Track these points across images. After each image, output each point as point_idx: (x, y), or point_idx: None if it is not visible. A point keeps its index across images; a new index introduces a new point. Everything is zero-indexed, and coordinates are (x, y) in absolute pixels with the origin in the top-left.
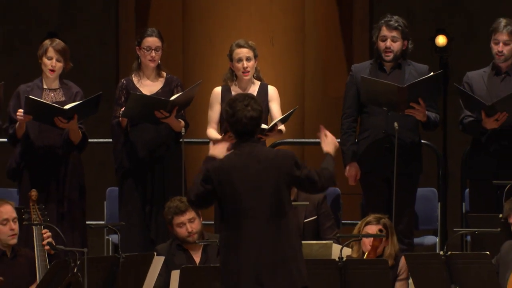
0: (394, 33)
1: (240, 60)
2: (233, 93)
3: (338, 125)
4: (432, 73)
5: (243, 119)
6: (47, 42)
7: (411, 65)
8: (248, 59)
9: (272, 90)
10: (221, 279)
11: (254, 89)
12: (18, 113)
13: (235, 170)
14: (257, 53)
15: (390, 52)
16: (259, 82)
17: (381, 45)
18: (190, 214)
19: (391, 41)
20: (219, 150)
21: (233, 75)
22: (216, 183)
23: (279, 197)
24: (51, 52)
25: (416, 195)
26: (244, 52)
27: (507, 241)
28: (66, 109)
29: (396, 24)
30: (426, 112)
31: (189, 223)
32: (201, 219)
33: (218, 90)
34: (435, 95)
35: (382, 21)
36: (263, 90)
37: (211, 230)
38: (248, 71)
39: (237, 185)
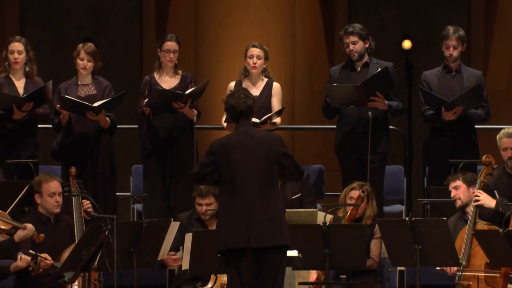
0: (352, 38)
1: (251, 56)
2: (244, 87)
3: (321, 113)
4: (379, 69)
5: (235, 105)
6: (80, 45)
7: (378, 63)
8: (258, 57)
9: (275, 87)
10: (218, 237)
11: (261, 85)
12: (57, 107)
13: (233, 146)
14: (268, 56)
15: (355, 52)
16: (266, 79)
17: (347, 50)
18: (210, 200)
19: (352, 44)
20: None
21: (246, 71)
22: (217, 156)
23: (268, 169)
24: (82, 54)
25: (386, 172)
26: (256, 51)
27: (450, 218)
28: (95, 106)
29: (351, 30)
30: (388, 101)
31: (205, 206)
32: None
33: (232, 84)
34: (391, 86)
35: (342, 32)
36: (268, 86)
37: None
38: (256, 67)
39: (233, 158)
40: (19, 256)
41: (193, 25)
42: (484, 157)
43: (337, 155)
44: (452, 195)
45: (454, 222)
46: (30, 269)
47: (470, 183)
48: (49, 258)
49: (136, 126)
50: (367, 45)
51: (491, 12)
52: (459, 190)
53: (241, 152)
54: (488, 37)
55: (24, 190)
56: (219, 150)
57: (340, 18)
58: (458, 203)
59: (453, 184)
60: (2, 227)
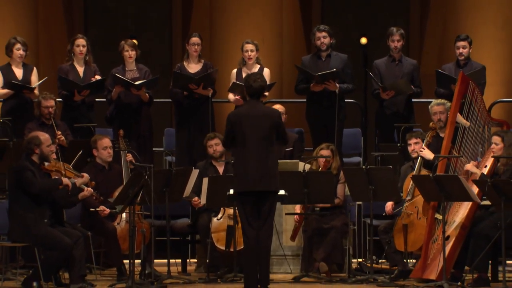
0: (323, 34)
1: (247, 51)
2: (243, 73)
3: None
4: (334, 69)
5: (253, 85)
6: (122, 42)
7: (337, 55)
8: (251, 50)
9: (265, 71)
10: (232, 182)
11: (255, 70)
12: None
13: (244, 114)
14: (258, 48)
15: (324, 45)
16: (258, 66)
17: (318, 43)
18: (217, 141)
19: (323, 38)
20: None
21: (243, 61)
22: (233, 123)
23: (269, 134)
24: (127, 47)
25: (349, 133)
26: (249, 47)
27: (404, 165)
28: (136, 84)
29: (323, 28)
30: (340, 84)
31: (215, 146)
32: None
33: (234, 71)
34: (340, 77)
35: (315, 29)
36: (260, 70)
37: (229, 154)
38: (251, 58)
39: (244, 124)
40: (85, 188)
41: (209, 28)
42: (430, 123)
43: (308, 121)
44: (411, 148)
45: (405, 169)
46: (94, 197)
47: (423, 140)
48: (107, 210)
49: (167, 100)
50: (331, 41)
51: (424, 17)
52: (417, 145)
53: (250, 119)
54: (422, 34)
55: (79, 153)
56: (234, 118)
57: (315, 21)
58: (414, 154)
59: (414, 141)
60: (68, 175)
